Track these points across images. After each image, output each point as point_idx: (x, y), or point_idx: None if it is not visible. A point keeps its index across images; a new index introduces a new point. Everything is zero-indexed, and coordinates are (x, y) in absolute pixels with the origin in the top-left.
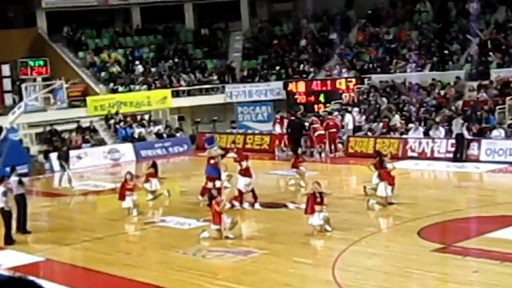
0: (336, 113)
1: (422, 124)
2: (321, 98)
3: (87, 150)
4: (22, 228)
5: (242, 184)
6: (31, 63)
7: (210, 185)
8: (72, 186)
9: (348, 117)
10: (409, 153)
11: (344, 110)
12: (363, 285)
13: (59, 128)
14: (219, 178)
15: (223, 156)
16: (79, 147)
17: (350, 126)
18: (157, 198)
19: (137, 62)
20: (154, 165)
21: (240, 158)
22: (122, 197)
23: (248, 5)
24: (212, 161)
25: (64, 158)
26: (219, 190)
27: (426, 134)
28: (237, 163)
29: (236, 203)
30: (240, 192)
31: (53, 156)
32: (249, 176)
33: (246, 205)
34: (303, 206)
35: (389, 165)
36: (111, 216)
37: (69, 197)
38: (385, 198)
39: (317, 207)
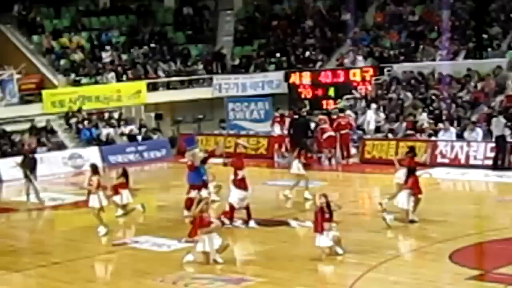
0: (348, 111)
1: (455, 124)
2: (331, 92)
3: (43, 156)
4: None
5: (236, 197)
6: None
7: (193, 193)
8: (41, 201)
9: (369, 115)
10: (439, 159)
11: (366, 105)
12: None
13: (8, 128)
14: (205, 186)
15: (205, 160)
16: (33, 152)
17: (372, 126)
18: (128, 214)
19: (105, 48)
20: (124, 174)
21: (236, 165)
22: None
23: None
24: (194, 166)
25: (29, 166)
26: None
27: (459, 136)
28: (233, 168)
29: (226, 221)
30: (232, 207)
31: (1, 162)
32: (245, 188)
33: (238, 222)
34: (309, 223)
35: (421, 173)
36: (72, 236)
37: (21, 213)
38: (405, 212)
39: (325, 225)
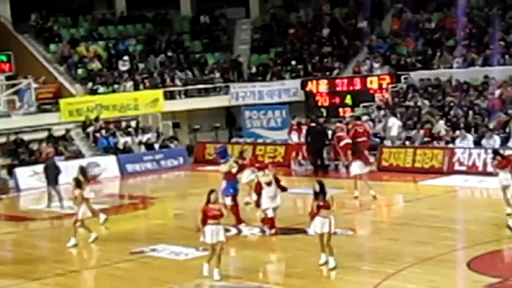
0: (365, 117)
1: (472, 131)
2: (348, 100)
3: (60, 164)
4: None
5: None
6: None
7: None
8: (62, 206)
9: (391, 121)
10: (457, 167)
11: (385, 113)
12: None
13: (26, 137)
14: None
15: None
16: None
17: (394, 132)
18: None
19: (122, 57)
20: (83, 172)
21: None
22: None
23: None
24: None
25: (52, 172)
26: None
27: (477, 143)
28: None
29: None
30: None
31: (19, 171)
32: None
33: (255, 230)
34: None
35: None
36: (89, 244)
37: (38, 221)
38: None
39: (322, 212)
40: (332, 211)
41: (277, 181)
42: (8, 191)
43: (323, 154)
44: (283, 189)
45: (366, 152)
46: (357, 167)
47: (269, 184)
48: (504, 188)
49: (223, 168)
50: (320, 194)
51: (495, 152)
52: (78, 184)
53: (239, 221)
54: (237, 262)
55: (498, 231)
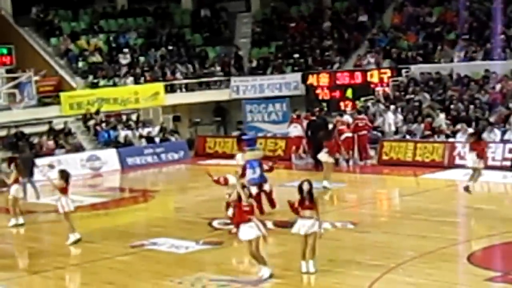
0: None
1: (473, 125)
2: (349, 93)
3: (61, 158)
4: None
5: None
6: None
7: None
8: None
9: (389, 116)
10: (457, 161)
11: (386, 107)
12: None
13: (26, 130)
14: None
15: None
16: (51, 154)
17: (392, 127)
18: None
19: (123, 50)
20: (65, 176)
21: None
22: None
23: None
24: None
25: (27, 165)
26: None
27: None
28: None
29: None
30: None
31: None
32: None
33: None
34: (327, 225)
35: None
36: (90, 238)
37: (39, 215)
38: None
39: (305, 212)
40: (317, 212)
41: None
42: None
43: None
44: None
45: (366, 145)
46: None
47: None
48: (474, 169)
49: (248, 155)
50: (308, 194)
51: (474, 132)
52: (63, 176)
53: (260, 210)
54: (235, 255)
55: (498, 225)
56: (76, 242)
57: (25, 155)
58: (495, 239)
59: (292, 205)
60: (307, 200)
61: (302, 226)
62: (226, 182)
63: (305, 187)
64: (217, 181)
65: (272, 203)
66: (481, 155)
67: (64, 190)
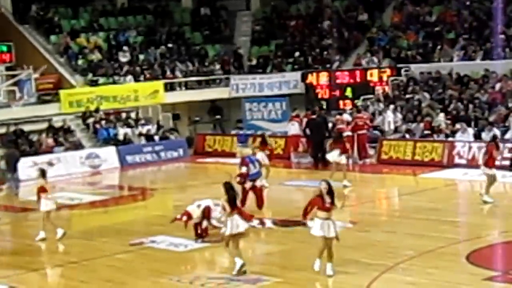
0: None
1: (472, 124)
2: (348, 92)
3: (60, 155)
4: None
5: None
6: None
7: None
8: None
9: (389, 115)
10: (456, 160)
11: (385, 106)
12: None
13: (26, 128)
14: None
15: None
16: (50, 151)
17: (392, 126)
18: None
19: (123, 48)
20: (42, 174)
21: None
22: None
23: None
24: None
25: (12, 160)
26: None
27: (477, 137)
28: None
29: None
30: None
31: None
32: None
33: (255, 223)
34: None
35: None
36: (88, 235)
37: (38, 212)
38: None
39: (321, 214)
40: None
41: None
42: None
43: (324, 146)
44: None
45: (366, 145)
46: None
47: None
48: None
49: (239, 152)
50: (328, 194)
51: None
52: (43, 174)
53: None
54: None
55: (497, 224)
56: (43, 239)
57: (9, 151)
58: (494, 239)
59: (307, 207)
60: (326, 201)
61: (321, 228)
62: (189, 219)
63: (324, 187)
64: (179, 219)
65: (260, 201)
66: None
67: (43, 189)
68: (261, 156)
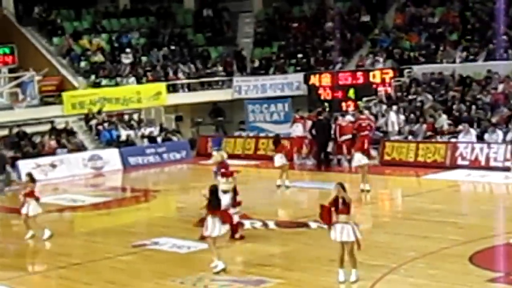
0: (366, 111)
1: (475, 126)
2: (351, 94)
3: (63, 157)
4: None
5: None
6: None
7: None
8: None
9: (391, 117)
10: (459, 161)
11: (388, 107)
12: None
13: (28, 130)
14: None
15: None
16: (53, 153)
17: (396, 127)
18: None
19: (125, 50)
20: (31, 178)
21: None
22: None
23: None
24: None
25: (1, 161)
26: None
27: (480, 138)
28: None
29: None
30: None
31: (21, 164)
32: None
33: (258, 224)
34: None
35: None
36: (91, 237)
37: (41, 214)
38: None
39: (340, 217)
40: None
41: (235, 192)
42: (10, 184)
43: (328, 148)
44: (236, 203)
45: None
46: (357, 159)
47: (225, 192)
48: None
49: (215, 157)
50: (341, 198)
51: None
52: (32, 179)
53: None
54: (238, 255)
55: (500, 225)
56: (31, 236)
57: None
58: (497, 240)
59: (323, 211)
60: (341, 204)
61: (340, 233)
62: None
63: (336, 190)
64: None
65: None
66: None
67: (31, 194)
68: (277, 158)
